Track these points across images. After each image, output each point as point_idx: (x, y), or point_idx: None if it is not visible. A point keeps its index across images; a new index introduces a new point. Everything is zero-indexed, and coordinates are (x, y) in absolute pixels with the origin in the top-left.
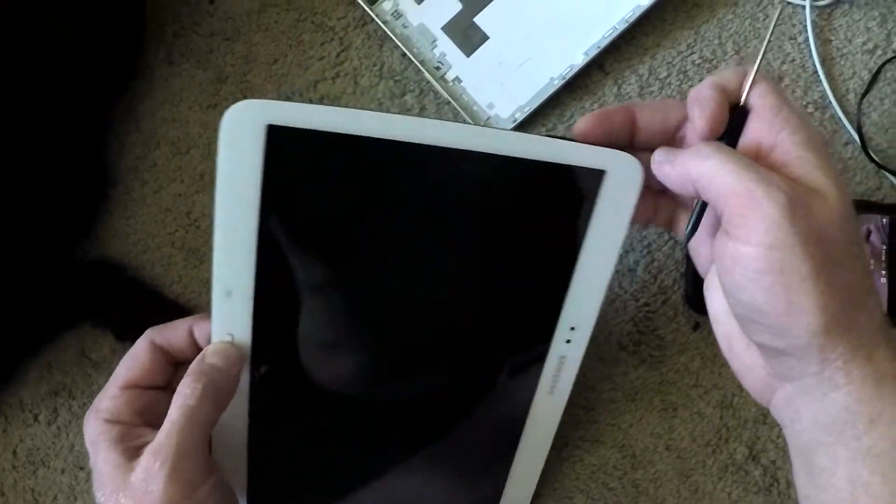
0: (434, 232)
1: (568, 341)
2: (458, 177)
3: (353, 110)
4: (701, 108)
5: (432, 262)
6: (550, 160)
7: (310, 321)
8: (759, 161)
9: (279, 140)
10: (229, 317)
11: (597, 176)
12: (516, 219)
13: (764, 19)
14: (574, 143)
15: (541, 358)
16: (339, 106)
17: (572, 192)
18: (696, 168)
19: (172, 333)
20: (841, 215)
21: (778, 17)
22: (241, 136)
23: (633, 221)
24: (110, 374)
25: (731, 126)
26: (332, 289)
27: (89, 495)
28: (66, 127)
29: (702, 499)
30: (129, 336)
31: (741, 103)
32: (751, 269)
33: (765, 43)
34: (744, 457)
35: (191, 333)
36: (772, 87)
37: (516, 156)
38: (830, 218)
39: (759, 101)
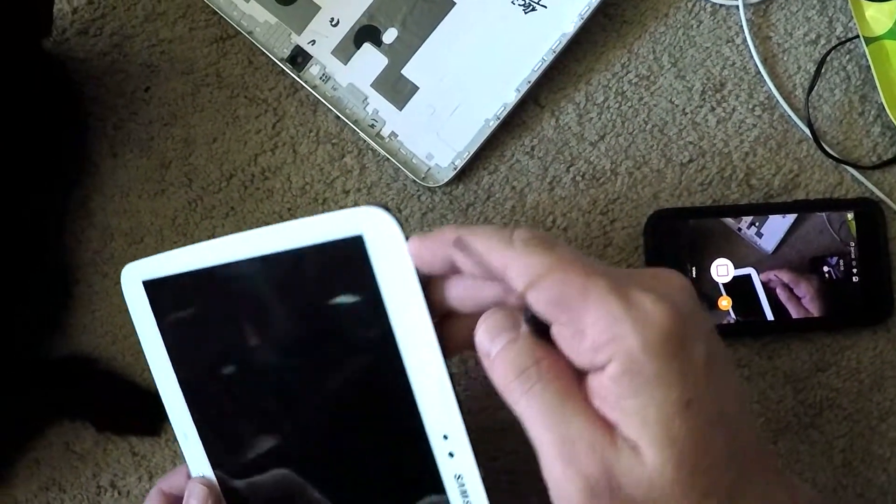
0: (274, 350)
1: (451, 454)
2: (258, 289)
3: (187, 247)
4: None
5: (289, 375)
6: (302, 245)
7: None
8: (581, 388)
9: (156, 291)
10: (194, 456)
11: (357, 244)
12: (314, 321)
13: (698, 26)
14: (313, 217)
15: (436, 489)
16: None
17: (345, 271)
18: (509, 397)
19: (175, 479)
20: (664, 483)
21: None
22: (133, 295)
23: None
24: (96, 465)
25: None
26: (251, 411)
27: None
28: (20, 231)
29: None
30: (108, 426)
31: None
32: None
33: None
34: None
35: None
36: (561, 290)
37: (272, 252)
38: (647, 492)
39: (556, 314)
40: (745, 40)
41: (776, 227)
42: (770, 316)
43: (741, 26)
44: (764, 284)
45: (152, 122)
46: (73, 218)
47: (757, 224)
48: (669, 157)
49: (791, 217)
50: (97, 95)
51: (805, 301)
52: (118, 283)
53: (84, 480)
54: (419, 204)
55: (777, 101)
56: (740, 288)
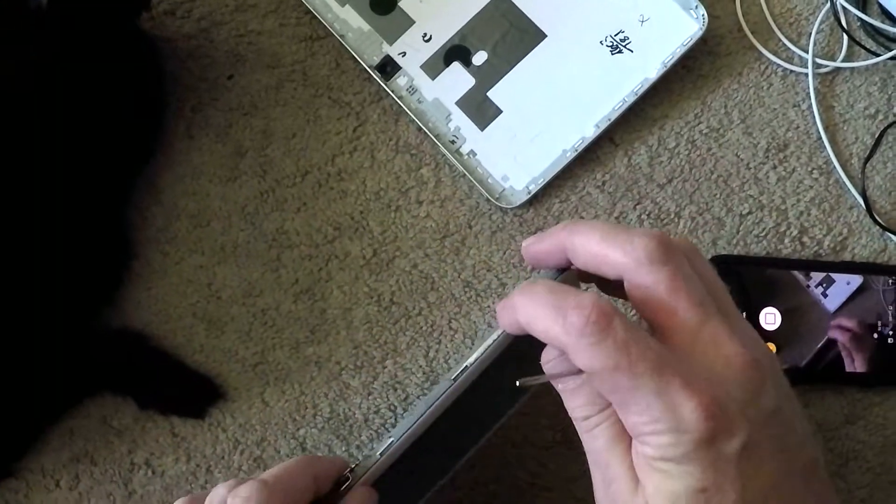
0: None
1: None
2: None
3: None
4: None
5: None
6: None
7: None
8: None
9: None
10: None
11: None
12: None
13: (768, 88)
14: None
15: None
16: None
17: None
18: (576, 427)
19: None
20: None
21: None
22: None
23: None
24: (132, 442)
25: None
26: None
27: None
28: (89, 200)
29: None
30: (152, 404)
31: None
32: None
33: None
34: None
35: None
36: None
37: None
38: None
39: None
40: (810, 106)
41: (841, 289)
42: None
43: (808, 93)
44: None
45: (232, 109)
46: (140, 194)
47: (824, 284)
48: (731, 206)
49: (856, 283)
50: (179, 76)
51: (856, 359)
52: (178, 262)
53: (118, 456)
54: (489, 223)
55: (834, 166)
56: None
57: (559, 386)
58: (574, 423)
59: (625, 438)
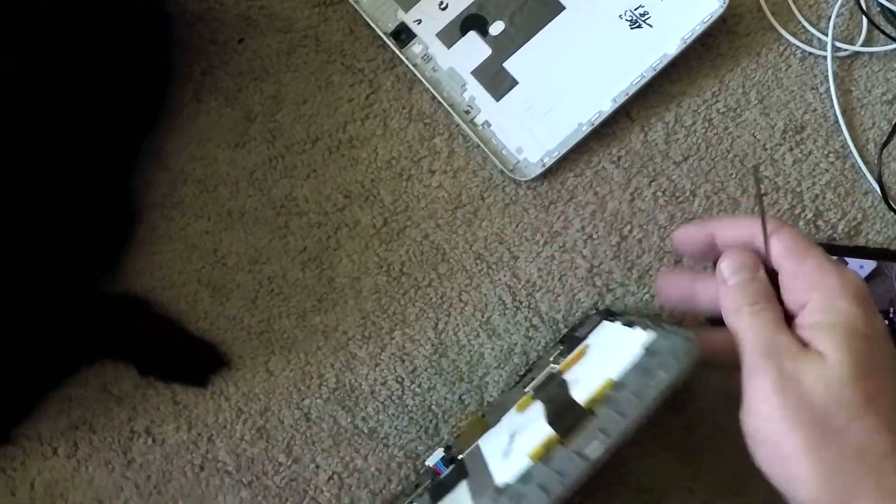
0: None
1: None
2: None
3: None
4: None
5: None
6: None
7: None
8: (789, 323)
9: None
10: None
11: None
12: None
13: (786, 69)
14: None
15: None
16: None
17: None
18: (729, 318)
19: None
20: (839, 380)
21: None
22: None
23: None
24: (133, 409)
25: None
26: None
27: None
28: (93, 164)
29: None
30: (153, 371)
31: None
32: (752, 438)
33: (761, 212)
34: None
35: None
36: (792, 245)
37: None
38: (824, 387)
39: (784, 262)
40: (828, 90)
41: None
42: None
43: (826, 76)
44: None
45: (242, 73)
46: (146, 158)
47: None
48: (746, 187)
49: (869, 268)
50: (188, 40)
51: None
52: (184, 227)
53: (118, 423)
54: (503, 195)
55: (851, 151)
56: None
57: (732, 280)
58: (736, 313)
59: (784, 321)
